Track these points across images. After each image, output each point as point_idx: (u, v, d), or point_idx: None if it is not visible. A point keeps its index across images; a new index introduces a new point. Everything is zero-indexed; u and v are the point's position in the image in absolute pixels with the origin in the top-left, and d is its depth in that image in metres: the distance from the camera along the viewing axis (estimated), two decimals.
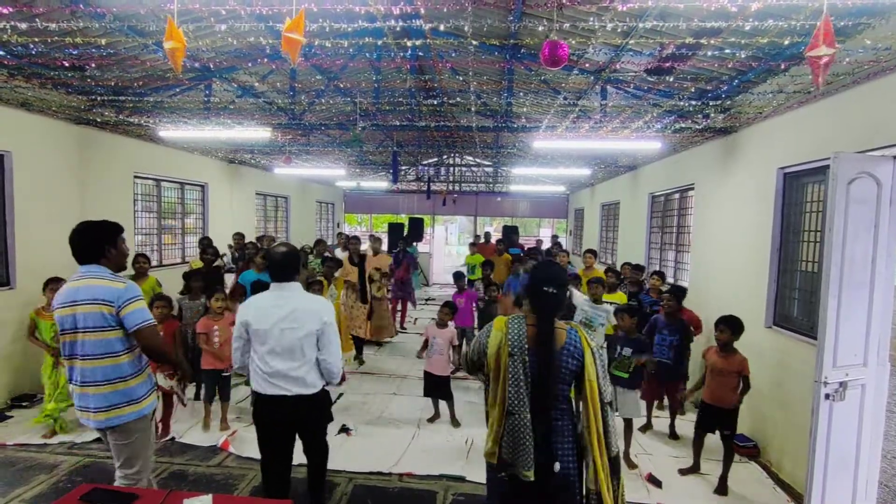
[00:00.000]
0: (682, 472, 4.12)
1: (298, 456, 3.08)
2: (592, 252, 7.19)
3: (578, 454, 2.17)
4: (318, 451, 3.15)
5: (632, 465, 4.19)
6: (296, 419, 2.88)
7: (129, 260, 3.70)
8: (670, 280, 7.19)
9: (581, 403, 2.18)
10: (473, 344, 2.33)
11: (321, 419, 3.07)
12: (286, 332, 2.74)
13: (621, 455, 2.24)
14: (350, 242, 7.24)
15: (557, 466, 2.13)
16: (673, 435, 4.81)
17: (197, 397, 5.18)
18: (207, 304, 4.80)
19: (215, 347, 4.55)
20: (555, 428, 2.17)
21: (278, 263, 2.83)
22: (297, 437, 3.00)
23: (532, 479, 2.08)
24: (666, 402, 5.21)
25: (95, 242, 2.61)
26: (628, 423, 4.30)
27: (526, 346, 2.15)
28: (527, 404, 2.11)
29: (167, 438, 4.44)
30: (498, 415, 2.15)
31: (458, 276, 6.96)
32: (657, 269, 7.07)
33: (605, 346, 4.51)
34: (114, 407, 2.56)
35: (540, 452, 2.12)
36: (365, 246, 7.49)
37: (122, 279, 2.63)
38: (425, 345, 5.07)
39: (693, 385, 4.29)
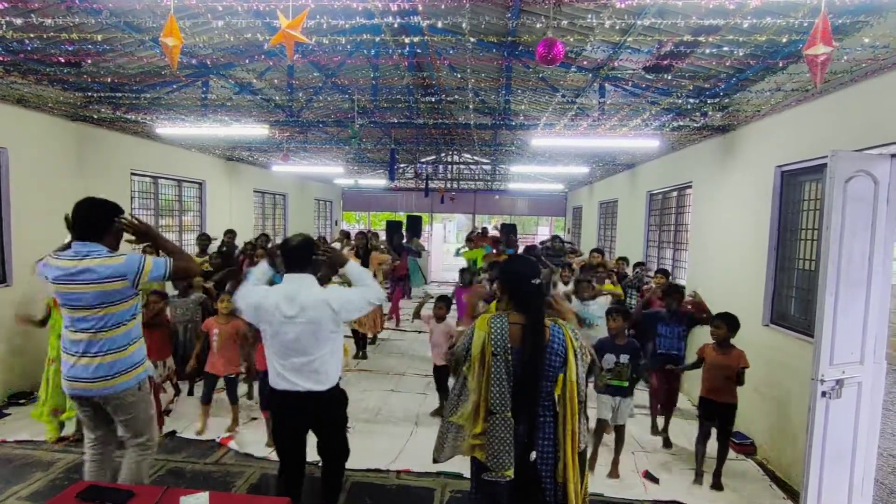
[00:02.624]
0: (695, 482, 3.98)
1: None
2: (599, 251, 7.00)
3: (555, 450, 2.19)
4: (334, 454, 3.00)
5: (615, 475, 4.00)
6: (309, 417, 2.79)
7: (140, 250, 3.72)
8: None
9: (559, 400, 2.19)
10: (460, 342, 2.31)
11: (337, 418, 2.94)
12: (298, 323, 2.65)
13: (588, 453, 2.29)
14: (357, 238, 7.27)
15: (534, 455, 2.14)
16: (665, 441, 4.61)
17: (191, 393, 5.17)
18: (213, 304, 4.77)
19: (215, 351, 4.48)
20: (539, 425, 2.18)
21: (292, 253, 2.77)
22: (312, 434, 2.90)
23: (511, 477, 2.10)
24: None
25: (104, 218, 2.66)
26: (620, 431, 4.09)
27: (509, 345, 2.14)
28: (509, 404, 2.12)
29: (168, 433, 4.44)
30: (483, 413, 2.16)
31: (464, 271, 6.76)
32: (660, 267, 6.70)
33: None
34: (114, 375, 2.61)
35: (522, 446, 2.15)
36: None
37: (119, 253, 2.68)
38: (417, 312, 5.39)
39: (687, 365, 4.35)
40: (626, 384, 3.98)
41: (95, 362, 2.58)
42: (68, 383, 2.64)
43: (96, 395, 2.63)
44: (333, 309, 2.68)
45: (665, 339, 4.66)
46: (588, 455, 2.32)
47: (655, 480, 3.95)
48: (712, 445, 3.99)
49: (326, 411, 2.80)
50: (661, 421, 4.79)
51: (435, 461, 2.42)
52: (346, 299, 2.74)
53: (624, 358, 3.97)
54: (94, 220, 2.64)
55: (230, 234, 7.97)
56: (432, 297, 5.26)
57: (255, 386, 5.16)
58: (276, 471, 3.08)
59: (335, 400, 2.84)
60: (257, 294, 2.75)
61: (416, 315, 5.33)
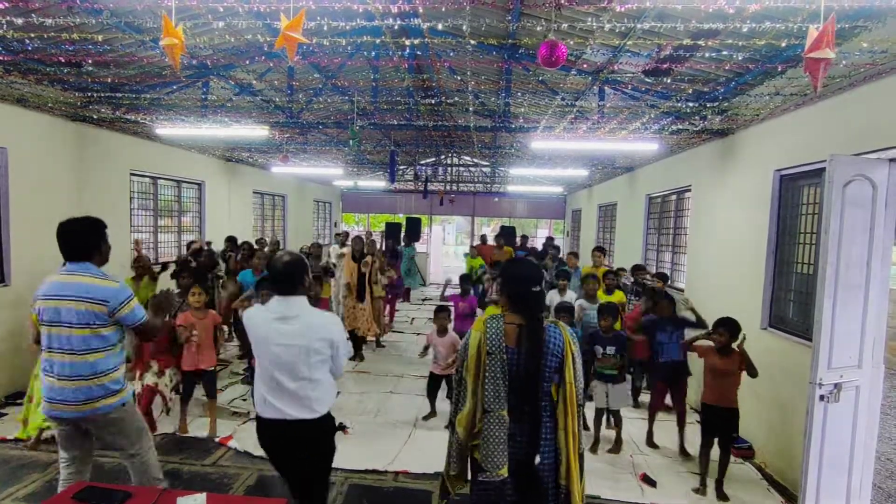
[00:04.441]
0: (697, 490, 3.92)
1: None
2: (601, 250, 6.87)
3: (556, 451, 2.19)
4: (313, 491, 2.66)
5: (616, 452, 4.42)
6: (300, 446, 2.52)
7: (129, 262, 3.69)
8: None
9: (559, 403, 2.19)
10: (460, 350, 2.32)
11: (324, 450, 2.64)
12: (289, 350, 2.41)
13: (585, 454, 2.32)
14: (354, 242, 7.31)
15: (538, 459, 2.14)
16: (683, 451, 4.49)
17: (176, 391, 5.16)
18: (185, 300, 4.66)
19: (193, 349, 4.38)
20: (541, 424, 2.18)
21: (281, 275, 2.46)
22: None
23: (506, 476, 2.10)
24: (667, 406, 5.09)
25: (90, 240, 2.65)
26: (617, 417, 4.41)
27: (504, 344, 2.14)
28: (504, 402, 2.12)
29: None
30: (480, 413, 2.16)
31: (464, 279, 6.54)
32: (659, 271, 6.59)
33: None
34: (91, 400, 2.58)
35: (522, 447, 2.14)
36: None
37: (114, 278, 2.68)
38: (426, 349, 5.12)
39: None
40: (615, 372, 4.46)
41: (78, 385, 2.54)
42: (48, 405, 2.59)
43: (79, 416, 2.59)
44: (333, 340, 2.50)
45: (666, 347, 4.58)
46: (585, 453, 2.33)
47: (653, 483, 3.95)
48: (714, 450, 3.97)
49: (315, 442, 2.56)
50: (670, 426, 4.76)
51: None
52: (342, 351, 2.57)
53: (611, 349, 4.46)
54: (81, 243, 2.62)
55: (229, 241, 7.83)
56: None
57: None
58: (273, 472, 3.05)
59: (325, 429, 2.58)
60: (257, 315, 2.55)
61: (424, 352, 5.12)
